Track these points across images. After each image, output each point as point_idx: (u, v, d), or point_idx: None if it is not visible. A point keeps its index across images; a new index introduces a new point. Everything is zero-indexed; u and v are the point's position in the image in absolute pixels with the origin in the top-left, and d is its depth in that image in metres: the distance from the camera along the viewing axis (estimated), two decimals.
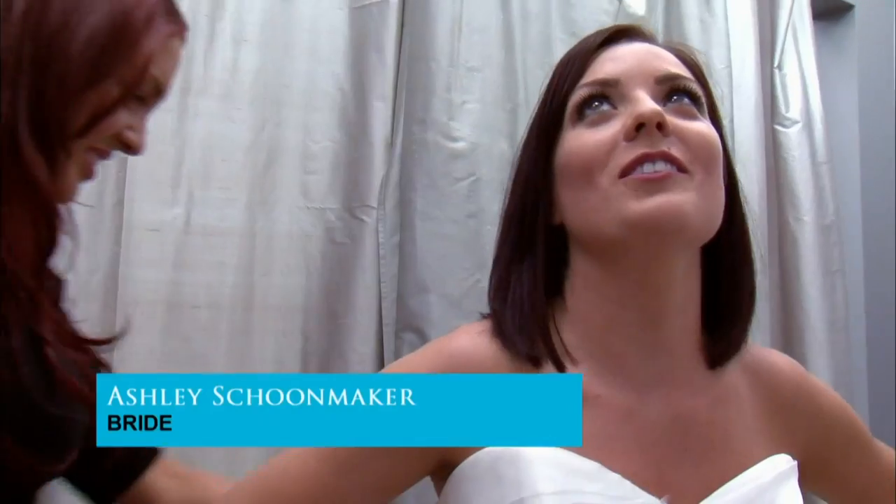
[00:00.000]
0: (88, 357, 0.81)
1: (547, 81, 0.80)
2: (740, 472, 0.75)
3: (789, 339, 1.84)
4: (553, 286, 0.78)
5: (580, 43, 0.80)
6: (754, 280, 0.80)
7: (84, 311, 1.20)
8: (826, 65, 2.03)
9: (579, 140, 0.74)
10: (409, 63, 1.45)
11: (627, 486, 0.70)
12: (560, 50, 1.53)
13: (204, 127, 1.32)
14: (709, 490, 0.73)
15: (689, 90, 0.75)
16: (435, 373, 0.73)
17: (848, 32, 2.15)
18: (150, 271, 1.29)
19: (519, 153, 0.82)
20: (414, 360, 0.77)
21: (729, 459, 0.76)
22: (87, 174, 0.82)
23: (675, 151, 0.70)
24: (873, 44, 2.19)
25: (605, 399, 0.74)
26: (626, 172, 0.70)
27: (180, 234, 1.30)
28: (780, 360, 0.86)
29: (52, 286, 0.87)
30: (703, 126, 0.74)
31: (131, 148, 0.84)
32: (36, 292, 0.76)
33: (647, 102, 0.71)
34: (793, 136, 1.84)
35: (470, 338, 0.76)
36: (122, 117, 0.81)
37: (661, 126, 0.70)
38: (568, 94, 0.76)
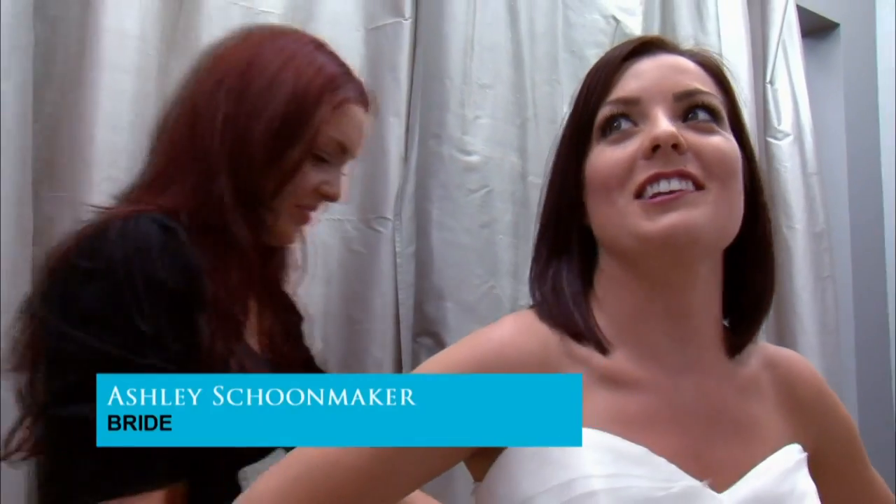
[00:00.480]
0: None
1: (576, 93, 0.78)
2: (766, 454, 0.74)
3: (782, 340, 1.80)
4: (586, 280, 0.77)
5: (607, 55, 0.78)
6: (773, 277, 0.79)
7: None
8: (814, 80, 2.00)
9: (601, 157, 0.73)
10: (424, 81, 1.42)
11: (672, 470, 0.67)
12: (564, 68, 1.50)
13: None
14: (739, 469, 0.71)
15: (707, 105, 0.73)
16: (485, 361, 0.69)
17: (834, 49, 2.11)
18: None
19: (553, 161, 0.80)
20: (459, 351, 0.72)
21: (756, 443, 0.75)
22: (303, 221, 0.99)
23: (691, 168, 0.69)
24: (857, 60, 2.15)
25: (644, 383, 0.72)
26: (641, 191, 0.70)
27: None
28: (801, 362, 0.85)
29: (293, 319, 1.08)
30: (719, 141, 0.72)
31: (329, 197, 0.98)
32: (240, 320, 0.90)
33: (662, 124, 0.70)
34: (785, 148, 1.81)
35: (515, 325, 0.73)
36: (313, 176, 0.95)
37: (676, 146, 0.69)
38: (595, 109, 0.75)
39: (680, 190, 0.68)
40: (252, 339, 0.97)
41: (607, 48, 1.58)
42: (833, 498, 0.81)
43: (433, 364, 0.72)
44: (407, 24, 1.42)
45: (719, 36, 1.67)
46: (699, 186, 0.69)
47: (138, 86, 1.17)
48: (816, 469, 0.79)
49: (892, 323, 2.19)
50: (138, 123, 1.14)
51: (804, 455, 0.76)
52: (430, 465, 0.70)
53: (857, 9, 2.15)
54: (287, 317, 1.05)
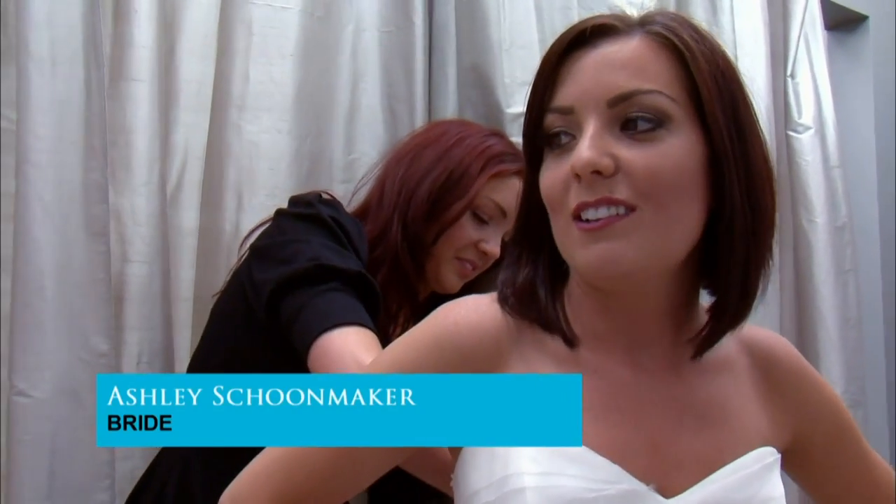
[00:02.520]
0: None
1: (527, 93, 0.72)
2: (738, 446, 0.71)
3: (803, 335, 1.76)
4: (558, 279, 0.75)
5: (551, 46, 0.70)
6: (746, 283, 0.69)
7: (143, 309, 1.21)
8: (842, 73, 1.94)
9: (546, 174, 0.70)
10: (463, 83, 1.43)
11: (613, 471, 0.65)
12: None
13: (253, 138, 1.30)
14: (704, 464, 0.69)
15: (646, 109, 0.65)
16: (441, 338, 0.70)
17: (863, 42, 2.05)
18: (210, 273, 1.27)
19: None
20: (421, 328, 0.73)
21: (727, 433, 0.72)
22: (463, 274, 1.20)
23: (620, 192, 0.64)
24: (887, 53, 2.09)
25: (603, 372, 0.70)
26: (577, 215, 0.66)
27: (231, 239, 1.28)
28: (779, 343, 0.81)
29: None
30: (653, 156, 0.64)
31: (486, 254, 1.19)
32: (386, 341, 1.04)
33: (582, 148, 0.64)
34: (805, 142, 1.76)
35: (475, 304, 0.73)
36: (472, 233, 1.17)
37: (599, 172, 0.64)
38: (540, 118, 0.70)
39: (608, 217, 0.64)
40: None
41: None
42: (827, 479, 0.80)
43: (398, 343, 0.73)
44: (419, 24, 1.42)
45: (734, 30, 1.63)
46: (631, 209, 0.64)
47: None
48: (804, 454, 0.77)
49: None
50: None
51: (776, 457, 0.73)
52: (390, 458, 0.71)
53: (885, 1, 2.10)
54: None
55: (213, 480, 1.11)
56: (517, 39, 1.40)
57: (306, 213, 1.09)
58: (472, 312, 0.71)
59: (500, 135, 1.25)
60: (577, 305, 0.73)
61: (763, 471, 0.71)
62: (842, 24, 2.01)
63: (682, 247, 0.67)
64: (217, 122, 1.29)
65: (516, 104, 1.37)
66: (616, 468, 0.65)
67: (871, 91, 2.07)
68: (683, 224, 0.66)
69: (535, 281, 0.73)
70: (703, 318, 0.73)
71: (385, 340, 1.11)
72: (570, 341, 0.71)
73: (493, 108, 1.40)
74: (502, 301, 0.73)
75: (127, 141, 1.19)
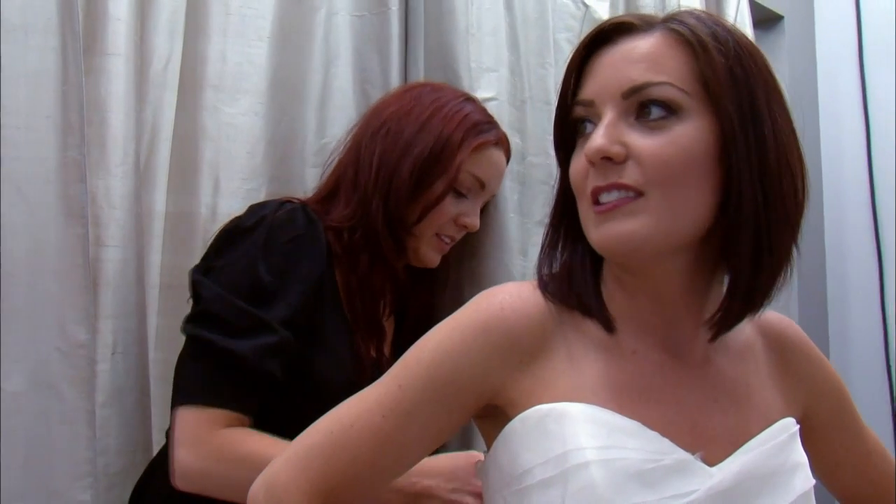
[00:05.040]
0: None
1: (559, 85, 0.77)
2: (761, 421, 0.75)
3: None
4: (596, 264, 0.77)
5: (578, 45, 0.76)
6: (758, 268, 0.71)
7: (118, 295, 1.13)
8: None
9: (574, 161, 0.74)
10: (429, 70, 1.40)
11: (665, 443, 0.69)
12: (555, 52, 1.49)
13: (230, 120, 1.24)
14: (735, 439, 0.73)
15: (657, 99, 0.68)
16: (488, 323, 0.72)
17: (779, 41, 2.16)
18: (178, 257, 1.21)
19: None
20: (465, 314, 0.74)
21: (751, 410, 0.76)
22: (442, 248, 1.17)
23: (629, 177, 0.68)
24: (802, 52, 2.21)
25: (641, 354, 0.73)
26: (592, 200, 0.70)
27: (207, 223, 1.22)
28: (790, 326, 0.86)
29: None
30: (661, 144, 0.68)
31: (467, 227, 1.16)
32: (381, 324, 1.12)
33: (594, 139, 0.69)
34: None
35: (517, 290, 0.75)
36: (452, 208, 1.13)
37: (610, 158, 0.68)
38: (570, 108, 0.74)
39: (618, 199, 0.68)
40: (386, 347, 1.15)
41: (577, 33, 1.58)
42: (828, 450, 0.85)
43: (441, 328, 0.74)
44: (395, 10, 1.39)
45: None
46: (639, 193, 0.68)
47: None
48: (809, 427, 0.81)
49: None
50: None
51: (797, 428, 0.77)
52: (438, 424, 0.73)
53: (798, 1, 2.22)
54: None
55: None
56: (484, 25, 1.39)
57: (250, 235, 1.03)
58: (517, 298, 0.73)
59: (472, 100, 1.21)
60: (611, 291, 0.76)
61: (789, 439, 0.75)
62: (759, 22, 2.11)
63: (690, 228, 0.70)
64: (190, 102, 1.22)
65: (482, 88, 1.35)
66: (667, 441, 0.69)
67: (786, 87, 2.17)
68: (689, 207, 0.69)
69: (573, 266, 0.76)
70: None
71: (377, 324, 1.11)
72: (609, 326, 0.74)
73: None
74: (543, 287, 0.75)
75: (102, 119, 1.12)
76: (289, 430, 0.81)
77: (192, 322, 1.01)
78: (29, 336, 1.00)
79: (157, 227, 1.25)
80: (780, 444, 0.74)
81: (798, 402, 0.82)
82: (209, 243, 1.09)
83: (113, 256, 1.13)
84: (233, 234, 1.05)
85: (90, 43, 1.10)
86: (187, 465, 0.96)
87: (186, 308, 1.18)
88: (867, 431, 0.90)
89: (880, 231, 2.13)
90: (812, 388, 0.84)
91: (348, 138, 1.17)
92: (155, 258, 1.24)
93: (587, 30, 1.70)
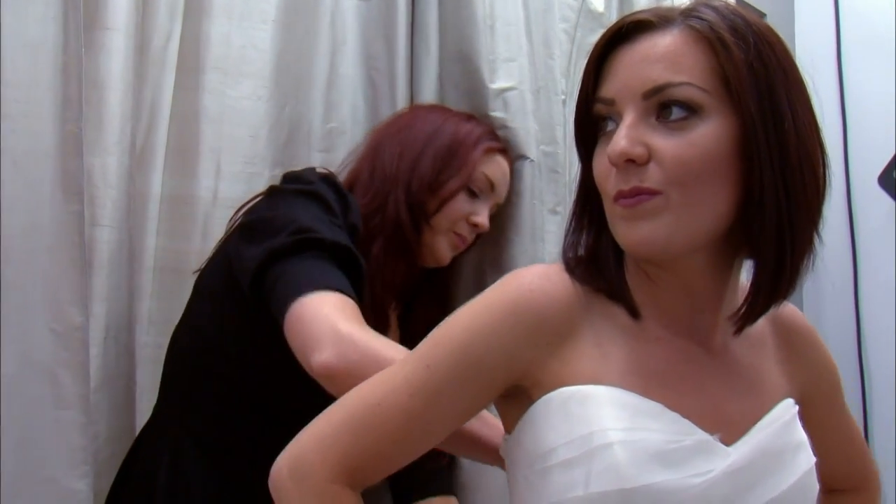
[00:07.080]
0: None
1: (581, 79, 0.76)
2: (771, 405, 0.77)
3: None
4: (620, 250, 0.76)
5: (598, 41, 0.74)
6: (781, 263, 0.70)
7: (112, 278, 1.09)
8: None
9: (596, 158, 0.74)
10: (448, 62, 1.39)
11: (686, 424, 0.70)
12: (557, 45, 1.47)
13: (234, 103, 1.21)
14: (748, 422, 0.74)
15: (677, 100, 0.68)
16: (517, 304, 0.71)
17: None
18: (179, 241, 1.18)
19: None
20: (493, 295, 0.74)
21: (763, 395, 0.78)
22: (456, 247, 1.21)
23: (650, 179, 0.68)
24: None
25: (665, 341, 0.74)
26: (615, 199, 0.70)
27: (208, 206, 1.19)
28: (795, 313, 0.88)
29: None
30: (684, 144, 0.67)
31: (477, 226, 1.20)
32: (388, 313, 1.13)
33: (616, 140, 0.68)
34: None
35: (545, 272, 0.74)
36: (465, 206, 1.18)
37: (633, 160, 0.68)
38: (591, 104, 0.74)
39: (638, 200, 0.68)
40: (392, 335, 1.16)
41: (574, 24, 1.57)
42: (818, 432, 0.85)
43: (469, 308, 0.74)
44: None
45: None
46: (657, 193, 0.68)
47: None
48: (804, 410, 0.82)
49: None
50: None
51: (797, 408, 0.79)
52: (465, 403, 0.73)
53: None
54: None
55: (212, 465, 1.03)
56: (501, 15, 1.37)
57: (302, 189, 1.04)
58: (546, 280, 0.73)
59: (476, 119, 1.26)
60: (635, 279, 0.76)
61: (792, 419, 0.77)
62: None
63: (712, 226, 0.70)
64: (191, 83, 1.19)
65: (499, 80, 1.35)
66: (687, 422, 0.69)
67: None
68: (710, 206, 0.69)
69: (598, 250, 0.76)
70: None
71: (383, 313, 1.06)
72: (635, 312, 0.74)
73: (476, 83, 1.36)
74: (569, 269, 0.75)
75: (100, 97, 1.07)
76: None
77: (281, 235, 0.96)
78: (23, 316, 0.96)
79: (153, 209, 1.20)
80: (785, 423, 0.76)
81: (799, 385, 0.83)
82: (246, 211, 1.07)
83: (108, 237, 1.09)
84: (279, 190, 1.07)
85: (90, 17, 1.06)
86: (331, 365, 0.84)
87: (180, 292, 1.15)
88: (850, 416, 0.93)
89: (855, 226, 2.16)
90: (813, 372, 0.86)
91: (362, 148, 1.21)
92: (150, 241, 1.20)
93: (584, 21, 1.73)
